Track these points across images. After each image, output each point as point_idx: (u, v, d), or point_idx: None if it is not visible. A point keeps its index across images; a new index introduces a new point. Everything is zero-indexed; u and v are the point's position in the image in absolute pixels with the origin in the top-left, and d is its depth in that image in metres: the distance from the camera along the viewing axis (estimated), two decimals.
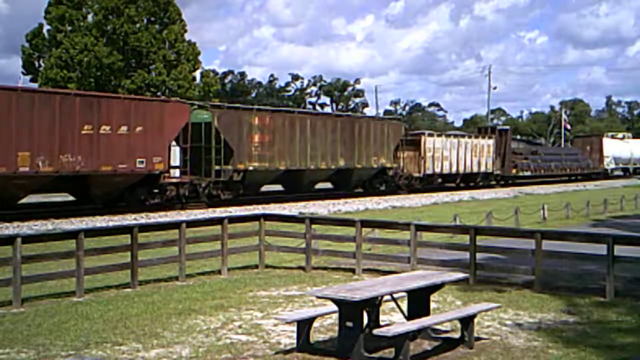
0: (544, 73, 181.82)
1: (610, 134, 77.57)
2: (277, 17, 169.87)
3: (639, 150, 75.38)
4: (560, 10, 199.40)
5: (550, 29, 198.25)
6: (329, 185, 39.95)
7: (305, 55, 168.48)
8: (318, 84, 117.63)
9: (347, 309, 8.36)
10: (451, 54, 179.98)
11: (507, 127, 56.78)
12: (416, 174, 42.75)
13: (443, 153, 44.86)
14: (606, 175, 67.00)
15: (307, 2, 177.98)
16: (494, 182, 50.59)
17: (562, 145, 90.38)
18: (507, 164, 51.57)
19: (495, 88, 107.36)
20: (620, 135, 77.97)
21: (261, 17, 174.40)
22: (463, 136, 49.76)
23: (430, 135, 45.42)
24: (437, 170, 44.48)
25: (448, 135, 48.11)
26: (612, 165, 69.89)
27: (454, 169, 46.12)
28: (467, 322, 9.04)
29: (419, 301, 9.42)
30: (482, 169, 49.08)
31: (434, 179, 44.56)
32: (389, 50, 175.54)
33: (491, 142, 50.27)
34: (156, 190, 28.30)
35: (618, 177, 70.79)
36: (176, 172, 29.54)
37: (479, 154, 48.78)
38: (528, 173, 54.34)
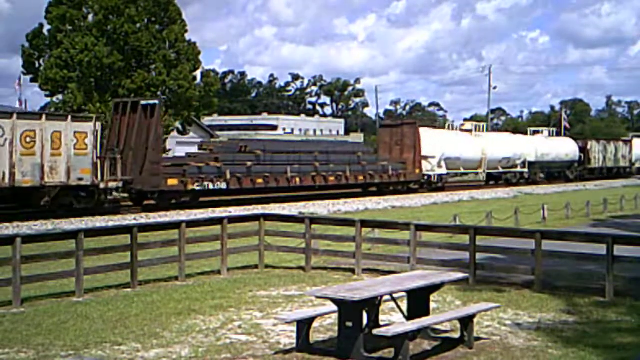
0: (545, 73, 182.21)
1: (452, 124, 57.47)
2: (279, 16, 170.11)
3: (503, 148, 51.40)
4: (562, 10, 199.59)
5: (552, 28, 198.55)
6: None
7: (306, 55, 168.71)
8: (318, 84, 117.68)
9: (347, 309, 8.36)
10: (452, 53, 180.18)
11: (156, 101, 31.26)
12: None
13: None
14: (432, 186, 43.57)
15: (308, 1, 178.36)
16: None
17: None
18: (150, 170, 29.05)
19: (495, 88, 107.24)
20: (468, 126, 53.55)
21: (263, 17, 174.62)
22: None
23: None
24: None
25: None
26: (441, 170, 44.24)
27: None
28: (466, 322, 9.04)
29: (418, 301, 9.42)
30: (57, 178, 25.54)
31: None
32: (390, 50, 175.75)
33: (88, 127, 26.63)
34: None
35: (456, 188, 45.53)
36: None
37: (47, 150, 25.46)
38: (221, 186, 31.61)
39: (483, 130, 52.82)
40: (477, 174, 51.61)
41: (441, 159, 44.71)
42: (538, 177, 55.47)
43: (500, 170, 51.65)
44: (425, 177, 43.32)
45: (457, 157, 46.46)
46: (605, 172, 64.32)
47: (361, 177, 38.37)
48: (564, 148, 59.25)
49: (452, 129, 53.10)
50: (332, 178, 36.66)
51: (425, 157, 42.82)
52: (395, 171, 40.53)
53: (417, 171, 41.97)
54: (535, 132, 62.75)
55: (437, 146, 44.18)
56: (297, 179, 34.81)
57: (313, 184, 35.69)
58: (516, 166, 52.88)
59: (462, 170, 48.65)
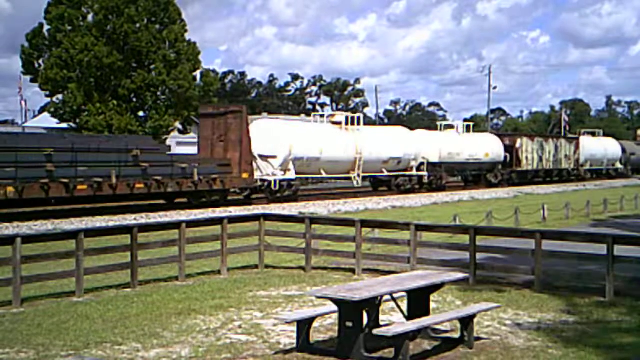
0: (546, 73, 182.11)
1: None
2: (279, 16, 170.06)
3: (389, 147, 40.81)
4: (562, 10, 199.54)
5: (553, 28, 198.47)
6: None
7: (306, 54, 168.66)
8: (318, 84, 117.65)
9: (347, 309, 8.36)
10: (453, 53, 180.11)
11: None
12: None
13: None
14: (273, 195, 33.20)
15: (309, 1, 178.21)
16: None
17: None
18: None
19: (495, 88, 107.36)
20: (338, 117, 40.96)
21: (263, 16, 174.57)
22: None
23: None
24: None
25: None
26: (289, 174, 34.14)
27: None
28: (467, 322, 9.04)
29: (418, 301, 9.42)
30: None
31: None
32: (390, 50, 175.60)
33: None
34: None
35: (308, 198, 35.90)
36: None
37: None
38: None
39: (359, 124, 40.48)
40: (349, 178, 39.17)
41: (287, 159, 33.95)
42: (444, 181, 45.02)
43: (387, 173, 40.75)
44: (264, 184, 33.01)
45: (316, 158, 35.66)
46: (542, 174, 55.26)
47: (141, 185, 27.55)
48: (483, 147, 48.74)
49: (312, 119, 42.77)
50: (82, 187, 25.70)
51: (264, 157, 33.39)
52: (207, 176, 29.64)
53: (245, 176, 31.31)
54: (447, 127, 51.00)
55: (281, 142, 33.90)
56: (10, 189, 23.69)
57: (44, 196, 24.96)
58: (410, 168, 42.03)
59: (324, 175, 37.42)
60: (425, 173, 42.69)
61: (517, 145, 51.94)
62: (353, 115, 42.37)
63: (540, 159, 54.70)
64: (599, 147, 65.14)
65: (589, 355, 8.70)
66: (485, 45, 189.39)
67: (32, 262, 12.08)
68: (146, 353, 8.69)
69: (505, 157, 50.36)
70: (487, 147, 49.26)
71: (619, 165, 67.78)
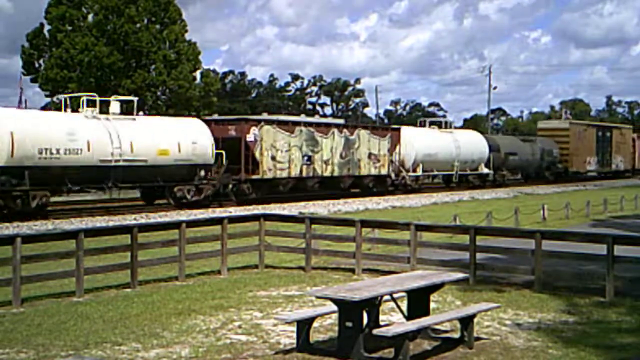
0: (546, 73, 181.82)
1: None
2: (280, 16, 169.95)
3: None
4: (563, 10, 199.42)
5: (554, 28, 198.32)
6: None
7: (307, 54, 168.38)
8: (318, 84, 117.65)
9: (347, 309, 8.36)
10: (454, 53, 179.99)
11: None
12: None
13: None
14: None
15: (310, 1, 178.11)
16: None
17: None
18: None
19: (495, 88, 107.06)
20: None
21: (264, 16, 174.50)
22: None
23: None
24: None
25: None
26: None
27: None
28: (466, 322, 9.04)
29: (418, 301, 9.42)
30: None
31: None
32: (391, 50, 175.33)
33: None
34: None
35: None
36: None
37: None
38: None
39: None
40: None
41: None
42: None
43: None
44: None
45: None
46: (315, 185, 36.08)
47: None
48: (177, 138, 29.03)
49: None
50: None
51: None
52: None
53: None
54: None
55: None
56: None
57: None
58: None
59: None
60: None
61: (250, 136, 31.51)
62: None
63: (310, 160, 34.53)
64: (443, 143, 44.00)
65: (589, 355, 8.70)
66: (487, 45, 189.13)
67: (32, 262, 12.08)
68: (146, 353, 8.69)
69: (218, 157, 30.50)
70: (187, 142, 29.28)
71: (484, 170, 47.41)
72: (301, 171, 34.34)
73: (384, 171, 39.23)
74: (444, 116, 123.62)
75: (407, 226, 14.45)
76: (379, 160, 38.91)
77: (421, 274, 10.17)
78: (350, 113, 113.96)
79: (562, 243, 13.31)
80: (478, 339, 9.31)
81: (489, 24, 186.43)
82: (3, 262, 11.68)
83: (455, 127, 53.39)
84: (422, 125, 48.34)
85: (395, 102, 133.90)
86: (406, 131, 41.98)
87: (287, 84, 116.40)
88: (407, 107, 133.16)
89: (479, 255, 13.47)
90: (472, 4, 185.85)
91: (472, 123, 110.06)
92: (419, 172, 41.96)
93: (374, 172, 38.66)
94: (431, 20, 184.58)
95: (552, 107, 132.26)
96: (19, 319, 10.39)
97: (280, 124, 34.07)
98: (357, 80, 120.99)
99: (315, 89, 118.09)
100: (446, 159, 43.94)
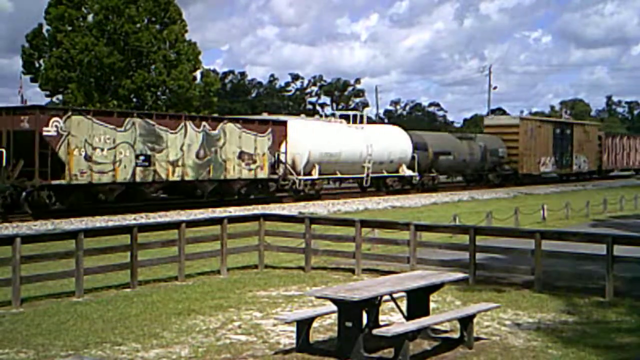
0: (547, 73, 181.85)
1: None
2: (281, 16, 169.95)
3: None
4: (564, 10, 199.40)
5: (554, 28, 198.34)
6: None
7: (308, 54, 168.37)
8: (318, 84, 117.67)
9: (347, 309, 8.36)
10: (454, 53, 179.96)
11: None
12: None
13: None
14: None
15: (311, 1, 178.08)
16: None
17: None
18: None
19: (495, 88, 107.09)
20: None
21: (265, 16, 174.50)
22: None
23: None
24: None
25: None
26: None
27: None
28: (466, 322, 9.04)
29: (418, 301, 9.42)
30: None
31: None
32: (391, 50, 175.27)
33: None
34: None
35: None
36: None
37: None
38: None
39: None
40: None
41: None
42: None
43: None
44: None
45: None
46: (159, 193, 29.81)
47: None
48: None
49: None
50: None
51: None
52: None
53: None
54: None
55: None
56: None
57: None
58: None
59: None
60: None
61: (50, 130, 24.39)
62: None
63: (148, 161, 27.34)
64: (349, 140, 36.43)
65: (589, 355, 8.70)
66: (487, 45, 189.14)
67: (32, 262, 12.08)
68: (146, 353, 8.69)
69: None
70: None
71: (406, 172, 39.70)
72: (134, 175, 26.80)
73: (262, 174, 31.70)
74: (444, 116, 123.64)
75: (406, 226, 14.45)
76: (254, 161, 31.23)
77: (421, 274, 10.16)
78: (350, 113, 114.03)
79: (562, 243, 13.31)
80: (478, 339, 9.31)
81: (489, 24, 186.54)
82: (3, 262, 11.67)
83: (382, 123, 45.98)
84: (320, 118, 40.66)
85: (395, 102, 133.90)
86: (295, 125, 34.43)
87: (287, 84, 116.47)
88: (407, 107, 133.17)
89: (478, 255, 13.47)
90: (473, 4, 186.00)
91: (472, 123, 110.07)
92: (315, 174, 34.45)
93: (246, 175, 31.04)
94: (432, 20, 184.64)
95: (552, 107, 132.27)
96: (18, 319, 10.39)
97: (100, 114, 26.88)
98: (357, 80, 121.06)
99: (315, 89, 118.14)
100: (354, 160, 36.61)
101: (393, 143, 39.24)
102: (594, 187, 50.89)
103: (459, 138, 46.47)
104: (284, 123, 33.57)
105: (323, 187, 36.47)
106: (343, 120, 40.09)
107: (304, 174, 34.02)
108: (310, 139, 34.43)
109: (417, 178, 40.72)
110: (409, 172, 39.97)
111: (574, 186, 51.34)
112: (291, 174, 33.28)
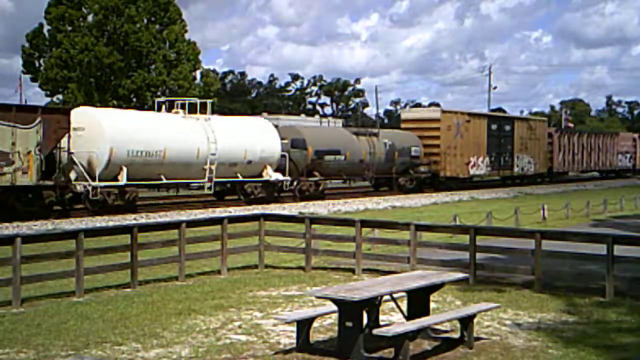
0: (547, 72, 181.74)
1: None
2: (281, 16, 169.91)
3: None
4: (565, 10, 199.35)
5: (554, 28, 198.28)
6: None
7: (308, 54, 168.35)
8: (318, 84, 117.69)
9: (347, 309, 8.36)
10: (455, 53, 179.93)
11: None
12: None
13: None
14: None
15: (311, 1, 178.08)
16: None
17: None
18: None
19: (495, 88, 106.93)
20: None
21: (265, 16, 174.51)
22: None
23: None
24: None
25: None
26: None
27: None
28: (466, 322, 9.04)
29: (418, 301, 9.42)
30: None
31: None
32: (392, 50, 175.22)
33: None
34: None
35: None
36: None
37: None
38: None
39: None
40: None
41: None
42: None
43: None
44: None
45: None
46: None
47: None
48: None
49: None
50: None
51: None
52: None
53: None
54: None
55: None
56: None
57: None
58: None
59: None
60: None
61: None
62: None
63: None
64: (180, 134, 28.15)
65: (589, 355, 8.70)
66: (487, 45, 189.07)
67: (32, 262, 12.08)
68: (146, 353, 8.69)
69: None
70: None
71: (272, 175, 31.56)
72: None
73: (23, 180, 23.51)
74: None
75: (407, 226, 14.46)
76: (11, 163, 23.14)
77: (421, 274, 10.16)
78: (350, 113, 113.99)
79: (562, 243, 13.31)
80: (478, 339, 9.31)
81: (489, 23, 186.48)
82: (3, 262, 11.68)
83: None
84: (158, 106, 31.52)
85: (395, 102, 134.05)
86: (86, 114, 26.58)
87: (287, 84, 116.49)
88: (407, 107, 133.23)
89: (479, 255, 13.47)
90: (473, 3, 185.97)
91: None
92: (123, 180, 26.11)
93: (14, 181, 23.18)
94: (432, 20, 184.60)
95: (552, 107, 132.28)
96: (18, 319, 10.39)
97: None
98: (357, 80, 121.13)
99: (315, 89, 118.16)
100: (188, 160, 28.15)
101: (252, 139, 30.73)
102: (594, 187, 50.29)
103: (355, 134, 37.91)
104: (67, 112, 25.50)
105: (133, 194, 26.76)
106: (180, 111, 30.32)
107: (108, 179, 25.94)
108: (113, 132, 25.86)
109: (288, 183, 32.54)
110: (277, 176, 31.72)
111: (575, 186, 49.55)
112: (85, 179, 25.35)
